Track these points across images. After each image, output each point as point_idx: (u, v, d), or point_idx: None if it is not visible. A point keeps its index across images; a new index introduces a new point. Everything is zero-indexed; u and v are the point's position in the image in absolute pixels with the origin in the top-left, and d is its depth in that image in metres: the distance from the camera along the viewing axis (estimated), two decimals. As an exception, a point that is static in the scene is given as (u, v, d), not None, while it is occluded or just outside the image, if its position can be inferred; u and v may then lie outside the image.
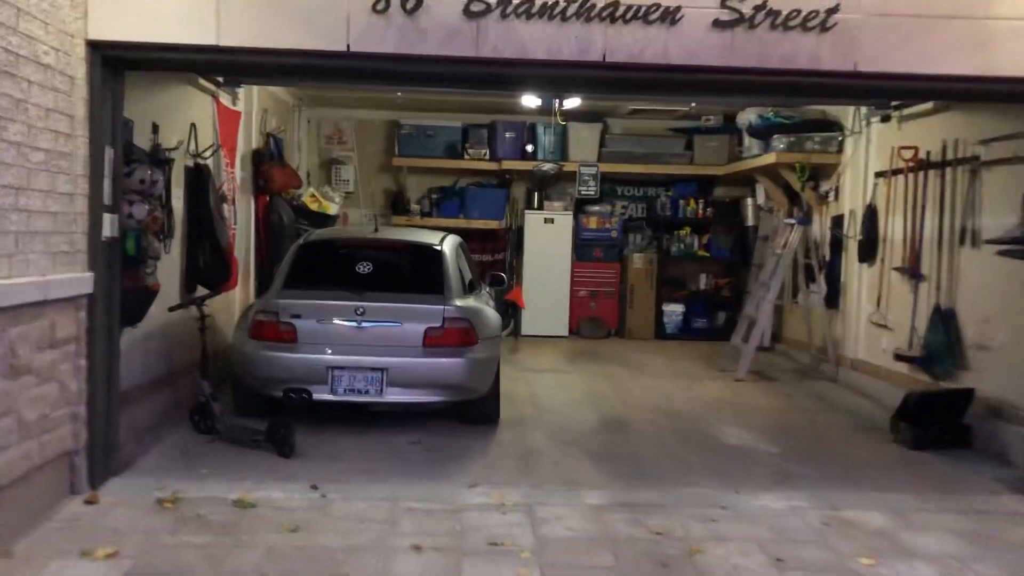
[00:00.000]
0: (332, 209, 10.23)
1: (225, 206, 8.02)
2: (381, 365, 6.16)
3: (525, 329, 11.66)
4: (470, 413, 6.76)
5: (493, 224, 11.82)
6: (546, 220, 11.84)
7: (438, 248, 6.83)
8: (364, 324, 6.25)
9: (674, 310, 12.04)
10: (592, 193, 11.93)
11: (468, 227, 11.61)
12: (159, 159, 6.09)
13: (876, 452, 6.51)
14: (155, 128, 6.21)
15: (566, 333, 11.87)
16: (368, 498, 4.97)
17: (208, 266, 7.27)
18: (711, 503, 5.08)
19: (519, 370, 9.30)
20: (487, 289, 8.05)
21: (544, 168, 11.74)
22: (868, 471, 5.99)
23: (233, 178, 8.27)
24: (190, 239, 7.13)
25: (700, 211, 12.13)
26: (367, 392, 6.18)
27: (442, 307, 6.31)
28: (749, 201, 11.89)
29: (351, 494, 5.02)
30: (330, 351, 6.21)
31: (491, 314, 6.93)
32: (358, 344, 6.27)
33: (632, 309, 11.97)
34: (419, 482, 5.39)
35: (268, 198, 9.26)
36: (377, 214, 12.18)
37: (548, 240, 11.79)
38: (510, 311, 11.65)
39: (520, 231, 11.91)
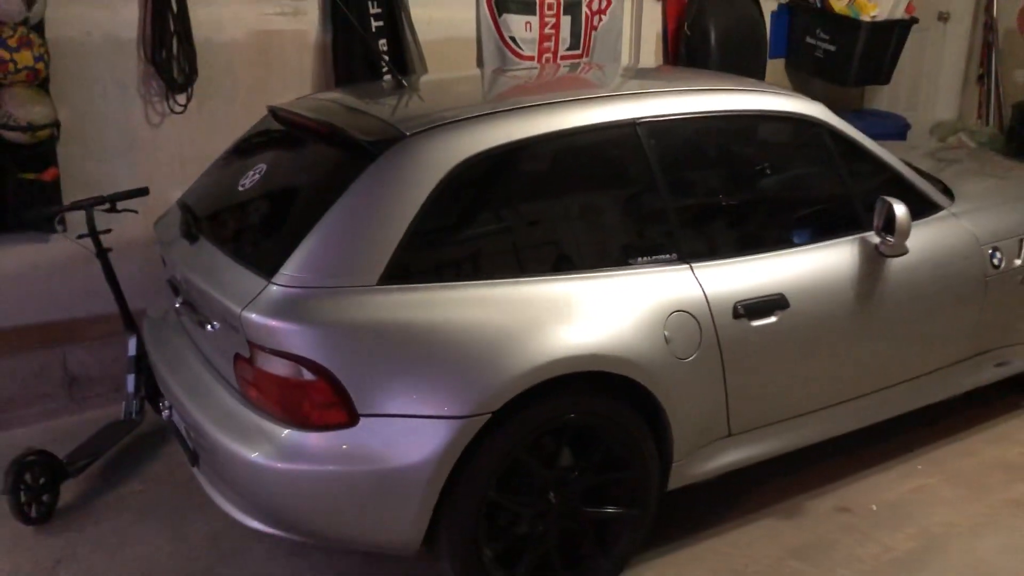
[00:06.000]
0: (873, 11, 5.24)
1: (518, 20, 4.77)
2: (187, 408, 2.66)
3: None
4: None
5: None
6: None
7: (368, 147, 2.47)
8: (180, 302, 2.83)
9: None
10: None
11: None
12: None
13: None
14: None
15: None
16: None
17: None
18: None
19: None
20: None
21: None
22: None
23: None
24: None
25: None
26: (187, 444, 2.82)
27: (237, 310, 2.31)
28: None
29: None
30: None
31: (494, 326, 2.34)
32: (181, 343, 2.92)
33: None
34: None
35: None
36: None
37: None
38: None
39: None
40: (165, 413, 3.06)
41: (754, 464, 2.94)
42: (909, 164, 3.38)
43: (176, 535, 3.02)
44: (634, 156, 2.72)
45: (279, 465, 2.30)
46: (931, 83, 6.77)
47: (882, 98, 6.58)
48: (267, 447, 2.32)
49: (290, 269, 2.32)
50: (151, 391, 3.67)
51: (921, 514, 3.09)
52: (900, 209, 2.85)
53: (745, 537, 2.97)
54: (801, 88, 5.95)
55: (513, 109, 2.67)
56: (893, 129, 5.61)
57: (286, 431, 2.32)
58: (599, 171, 2.75)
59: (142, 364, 3.49)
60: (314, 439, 2.30)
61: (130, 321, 3.54)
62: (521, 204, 2.61)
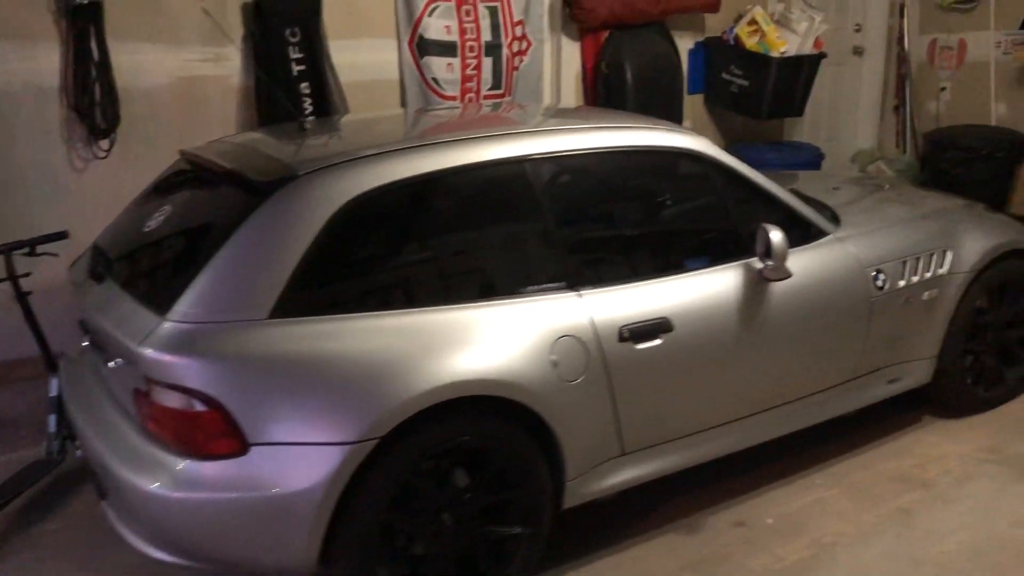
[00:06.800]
0: (782, 47, 5.50)
1: (439, 62, 4.93)
2: (93, 443, 2.72)
3: None
4: None
5: None
6: None
7: (261, 187, 2.60)
8: (88, 342, 2.96)
9: None
10: None
11: None
12: None
13: None
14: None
15: None
16: None
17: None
18: None
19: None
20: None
21: None
22: None
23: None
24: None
25: None
26: (95, 479, 2.90)
27: (133, 346, 2.43)
28: None
29: None
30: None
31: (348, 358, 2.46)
32: (91, 382, 3.01)
33: None
34: None
35: (606, 35, 5.38)
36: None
37: None
38: None
39: None
40: (78, 452, 3.12)
41: (654, 481, 3.07)
42: (797, 192, 3.57)
43: (90, 571, 3.08)
44: (523, 191, 2.86)
45: (176, 495, 2.39)
46: (850, 114, 7.06)
47: (803, 129, 6.84)
48: (165, 478, 2.40)
49: (183, 305, 2.43)
50: (72, 430, 3.72)
51: (815, 525, 3.24)
52: (776, 235, 3.02)
53: (644, 552, 3.09)
54: (719, 122, 6.18)
55: (406, 148, 2.82)
56: (807, 159, 5.84)
57: (183, 462, 2.41)
58: (490, 205, 2.89)
59: (63, 404, 3.55)
60: (209, 468, 2.39)
61: (51, 362, 3.59)
62: (412, 239, 2.75)
